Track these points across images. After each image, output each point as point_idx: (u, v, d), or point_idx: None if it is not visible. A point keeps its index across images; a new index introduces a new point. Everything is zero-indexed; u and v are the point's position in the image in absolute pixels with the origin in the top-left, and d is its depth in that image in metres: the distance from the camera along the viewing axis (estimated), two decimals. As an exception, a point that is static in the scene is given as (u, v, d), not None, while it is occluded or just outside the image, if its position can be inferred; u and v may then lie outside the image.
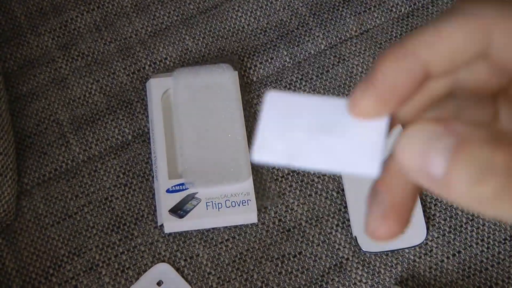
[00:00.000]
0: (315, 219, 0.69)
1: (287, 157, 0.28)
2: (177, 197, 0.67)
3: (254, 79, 0.74)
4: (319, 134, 0.29)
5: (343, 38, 0.76)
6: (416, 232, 0.67)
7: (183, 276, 0.66)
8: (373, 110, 0.27)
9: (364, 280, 0.67)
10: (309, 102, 0.29)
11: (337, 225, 0.69)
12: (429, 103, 0.29)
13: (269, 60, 0.75)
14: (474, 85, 0.29)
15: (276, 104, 0.29)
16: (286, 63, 0.75)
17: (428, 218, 0.69)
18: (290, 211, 0.69)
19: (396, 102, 0.27)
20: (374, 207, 0.28)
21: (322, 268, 0.67)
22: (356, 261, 0.67)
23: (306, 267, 0.67)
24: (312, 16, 0.77)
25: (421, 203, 0.69)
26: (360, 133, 0.28)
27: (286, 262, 0.67)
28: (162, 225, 0.67)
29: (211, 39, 0.76)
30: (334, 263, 0.67)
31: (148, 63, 0.75)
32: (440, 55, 0.27)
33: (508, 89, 0.29)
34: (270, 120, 0.29)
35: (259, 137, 0.29)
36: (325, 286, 0.67)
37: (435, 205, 0.69)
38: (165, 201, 0.66)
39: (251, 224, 0.68)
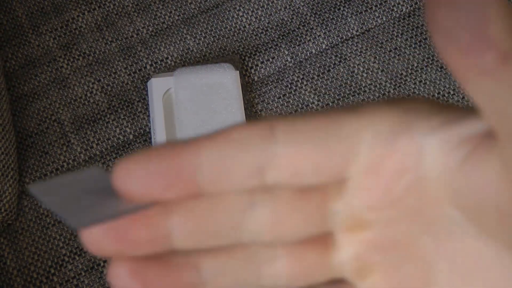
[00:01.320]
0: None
1: None
2: (178, 197, 0.67)
3: (256, 78, 0.74)
4: None
5: (344, 37, 0.76)
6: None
7: (184, 276, 0.66)
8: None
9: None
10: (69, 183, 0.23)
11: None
12: None
13: (270, 60, 0.75)
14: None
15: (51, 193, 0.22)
16: (287, 62, 0.75)
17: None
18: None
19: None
20: None
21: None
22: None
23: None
24: (313, 15, 0.77)
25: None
26: None
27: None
28: (163, 225, 0.67)
29: (212, 38, 0.76)
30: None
31: (150, 62, 0.75)
32: None
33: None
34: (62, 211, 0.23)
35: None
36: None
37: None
38: (166, 201, 0.66)
39: (252, 224, 0.68)
